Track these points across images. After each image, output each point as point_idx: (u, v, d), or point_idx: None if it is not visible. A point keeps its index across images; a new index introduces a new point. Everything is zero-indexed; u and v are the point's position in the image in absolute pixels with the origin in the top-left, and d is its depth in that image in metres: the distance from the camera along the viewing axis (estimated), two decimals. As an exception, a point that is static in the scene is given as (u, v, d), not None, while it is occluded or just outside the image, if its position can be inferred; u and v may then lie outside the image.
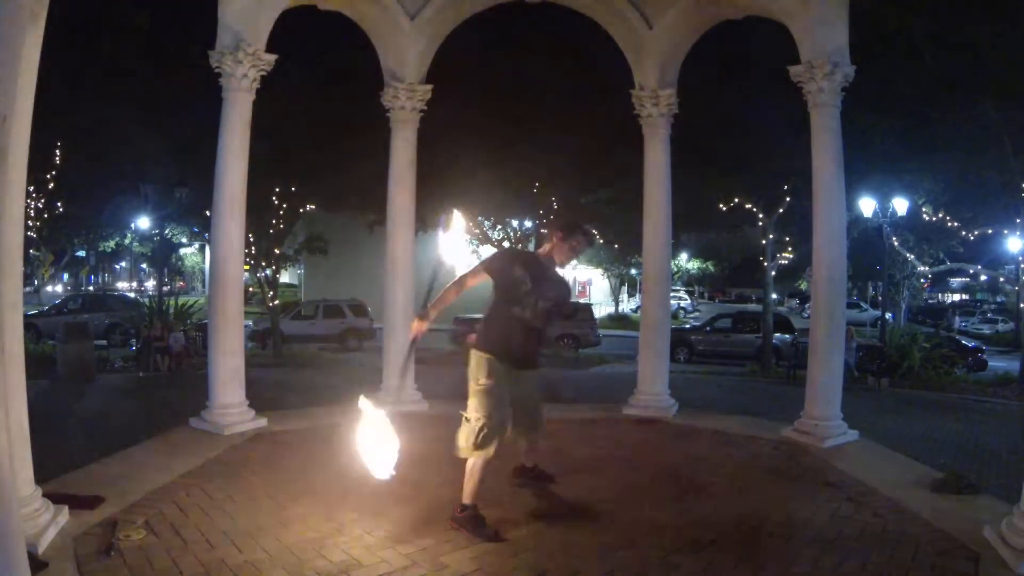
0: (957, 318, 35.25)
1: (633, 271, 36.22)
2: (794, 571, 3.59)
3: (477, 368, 4.06)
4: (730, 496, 4.82)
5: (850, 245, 8.38)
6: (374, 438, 3.75)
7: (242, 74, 6.20)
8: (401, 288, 7.61)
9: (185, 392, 8.81)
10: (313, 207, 17.69)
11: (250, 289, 21.94)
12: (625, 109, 7.90)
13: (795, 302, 48.31)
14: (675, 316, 31.70)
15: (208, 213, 8.95)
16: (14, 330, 3.64)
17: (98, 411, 7.91)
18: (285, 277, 26.34)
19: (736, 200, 16.40)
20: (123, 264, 50.50)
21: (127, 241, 35.50)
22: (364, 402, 3.84)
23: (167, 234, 28.07)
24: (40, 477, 3.97)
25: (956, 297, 54.38)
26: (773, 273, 18.19)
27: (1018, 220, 16.23)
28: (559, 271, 4.32)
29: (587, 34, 8.48)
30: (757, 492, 4.92)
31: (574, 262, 4.96)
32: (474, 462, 4.00)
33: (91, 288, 43.81)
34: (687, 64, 7.74)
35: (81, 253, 39.97)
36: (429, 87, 7.61)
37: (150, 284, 46.17)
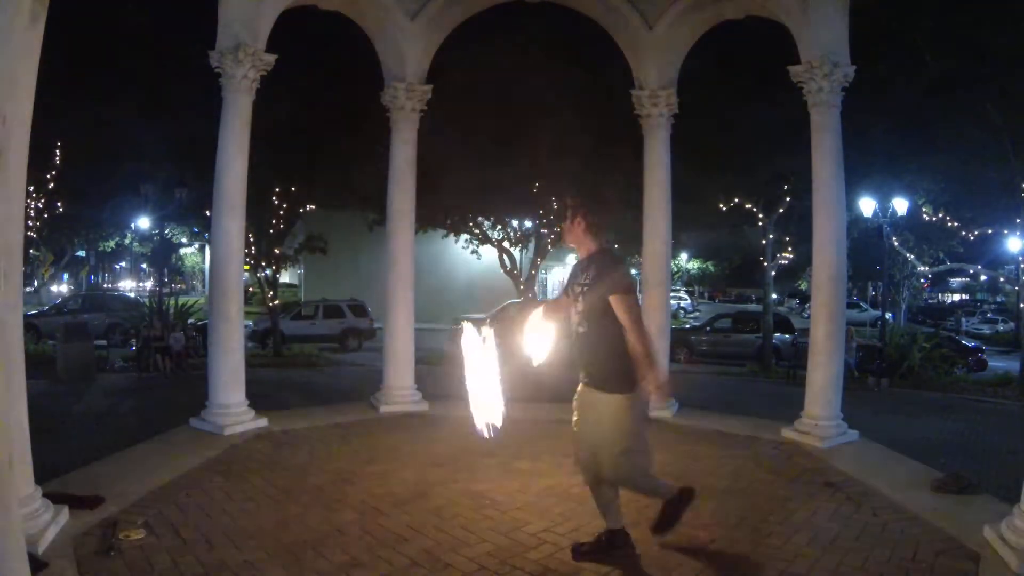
0: (965, 319, 34.50)
1: (633, 271, 36.20)
2: (794, 571, 3.59)
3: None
4: (730, 496, 4.81)
5: (850, 245, 8.37)
6: (535, 329, 3.54)
7: (242, 74, 6.20)
8: (401, 288, 7.61)
9: (185, 392, 8.80)
10: (313, 207, 17.68)
11: (250, 289, 21.93)
12: (625, 109, 7.90)
13: (795, 302, 48.29)
14: (675, 316, 31.70)
15: (208, 213, 8.95)
16: (14, 330, 3.64)
17: (98, 411, 7.91)
18: (285, 277, 26.33)
19: (736, 200, 16.39)
20: (123, 264, 50.51)
21: (127, 241, 35.51)
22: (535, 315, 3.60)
23: (167, 234, 28.08)
24: (40, 477, 3.97)
25: (956, 297, 54.37)
26: (773, 273, 18.17)
27: (1018, 220, 16.23)
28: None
29: (587, 34, 8.47)
30: (757, 492, 4.92)
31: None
32: None
33: (77, 287, 43.80)
34: (687, 64, 7.74)
35: (81, 253, 40.00)
36: (429, 87, 7.61)
37: (147, 284, 46.21)
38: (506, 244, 18.30)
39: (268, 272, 16.08)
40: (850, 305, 25.63)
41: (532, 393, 6.53)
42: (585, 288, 3.51)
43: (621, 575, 3.54)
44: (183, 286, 45.00)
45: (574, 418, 3.68)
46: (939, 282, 48.18)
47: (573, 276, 3.67)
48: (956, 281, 52.47)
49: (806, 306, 36.43)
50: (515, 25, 10.22)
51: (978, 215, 18.53)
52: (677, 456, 5.90)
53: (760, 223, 16.80)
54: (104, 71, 12.36)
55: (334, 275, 25.85)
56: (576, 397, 3.67)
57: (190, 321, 14.50)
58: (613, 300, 3.39)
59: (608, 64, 8.79)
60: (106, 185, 19.23)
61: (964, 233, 19.79)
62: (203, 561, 3.54)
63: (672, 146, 7.69)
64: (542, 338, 3.56)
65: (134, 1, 11.40)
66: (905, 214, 17.00)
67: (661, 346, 7.74)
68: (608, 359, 3.46)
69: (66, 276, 45.35)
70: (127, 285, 47.87)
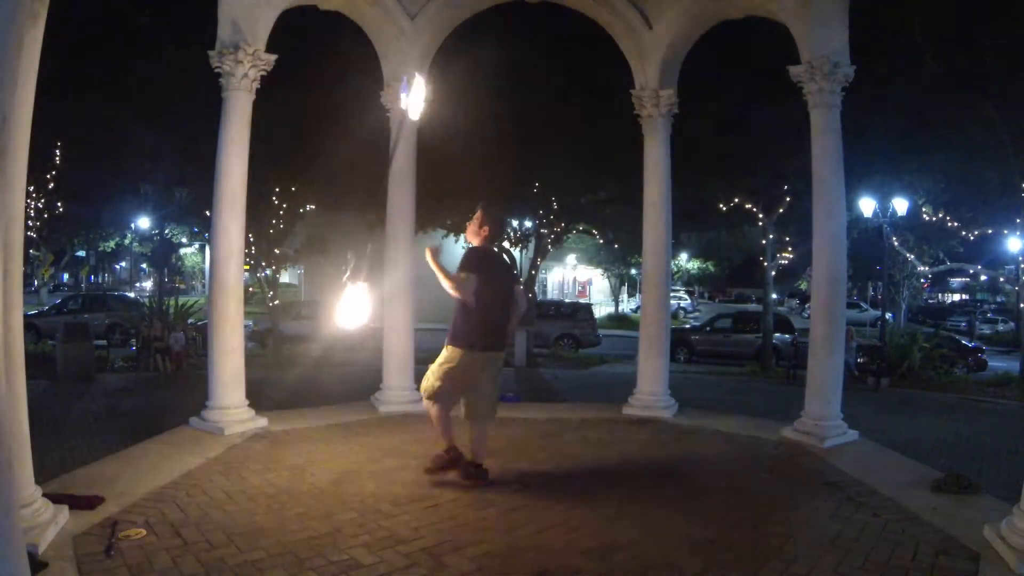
0: (978, 322, 32.65)
1: (633, 271, 36.22)
2: (794, 571, 3.59)
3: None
4: (730, 496, 4.82)
5: (850, 245, 8.37)
6: (350, 300, 4.33)
7: (242, 74, 6.20)
8: (400, 288, 7.60)
9: (185, 392, 8.82)
10: (313, 207, 17.69)
11: (250, 289, 21.94)
12: (625, 109, 7.90)
13: (795, 302, 48.35)
14: (675, 316, 31.71)
15: (208, 213, 8.95)
16: (14, 330, 3.64)
17: (98, 411, 7.91)
18: (285, 277, 26.34)
19: (736, 200, 16.40)
20: (123, 264, 50.52)
21: (127, 241, 35.52)
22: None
23: (167, 234, 28.08)
24: (40, 477, 3.97)
25: (956, 297, 54.34)
26: (773, 273, 18.19)
27: (1018, 220, 16.24)
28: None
29: (587, 34, 8.47)
30: (757, 492, 4.92)
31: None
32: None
33: (77, 287, 43.79)
34: (687, 64, 7.73)
35: (81, 253, 40.01)
36: (429, 87, 7.59)
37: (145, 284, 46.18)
38: (506, 244, 18.31)
39: (268, 272, 16.09)
40: (850, 305, 25.61)
41: (530, 393, 6.52)
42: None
43: (623, 575, 3.54)
44: (183, 286, 45.00)
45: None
46: (939, 282, 48.22)
47: None
48: (956, 281, 52.50)
49: (806, 306, 36.44)
50: (515, 25, 10.21)
51: (978, 215, 18.54)
52: (677, 456, 5.90)
53: (760, 223, 16.81)
54: (104, 71, 12.36)
55: (334, 275, 25.87)
56: None
57: (190, 321, 14.50)
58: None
59: (608, 64, 8.79)
60: (106, 185, 19.23)
61: (964, 233, 19.81)
62: (203, 561, 3.54)
63: (672, 146, 7.68)
64: (354, 305, 4.32)
65: (134, 1, 11.41)
66: (905, 214, 17.01)
67: (661, 347, 7.76)
68: (454, 321, 4.79)
69: (66, 276, 45.39)
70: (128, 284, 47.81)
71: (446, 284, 4.56)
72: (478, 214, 4.87)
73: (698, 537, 3.99)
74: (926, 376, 13.00)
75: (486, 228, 4.83)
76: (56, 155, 14.88)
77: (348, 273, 4.78)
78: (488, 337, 4.75)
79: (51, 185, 15.68)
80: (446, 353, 4.80)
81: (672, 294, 15.31)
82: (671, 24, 7.36)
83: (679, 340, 18.18)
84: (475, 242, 4.89)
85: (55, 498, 3.99)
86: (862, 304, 37.79)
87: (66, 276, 46.37)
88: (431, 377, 4.84)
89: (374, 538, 3.89)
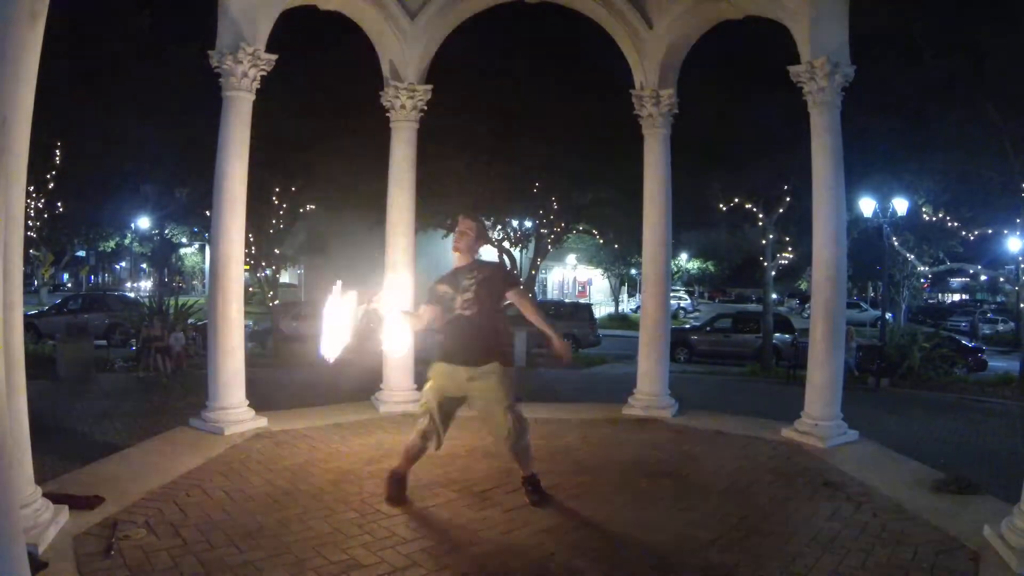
0: (982, 324, 31.91)
1: (633, 271, 36.25)
2: (794, 571, 3.59)
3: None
4: (730, 496, 4.81)
5: (850, 245, 8.37)
6: (333, 322, 3.90)
7: (242, 74, 6.20)
8: (400, 288, 7.60)
9: (185, 392, 8.81)
10: (313, 207, 17.70)
11: (250, 289, 21.96)
12: (625, 109, 7.90)
13: (795, 302, 48.36)
14: (675, 316, 31.71)
15: (208, 213, 8.96)
16: (14, 330, 3.64)
17: (98, 411, 7.91)
18: (285, 277, 26.34)
19: (736, 200, 16.42)
20: (123, 264, 50.50)
21: (127, 241, 35.52)
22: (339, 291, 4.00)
23: (167, 234, 28.08)
24: (40, 477, 3.97)
25: (956, 297, 54.30)
26: (773, 273, 18.20)
27: (1018, 220, 16.26)
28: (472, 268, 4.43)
29: (587, 34, 8.47)
30: (757, 492, 4.92)
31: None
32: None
33: (77, 287, 43.78)
34: (687, 64, 7.73)
35: (81, 253, 40.01)
36: (429, 87, 7.61)
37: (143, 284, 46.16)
38: (506, 244, 18.32)
39: (268, 272, 16.09)
40: (850, 305, 25.62)
41: (531, 393, 6.50)
42: (474, 283, 4.30)
43: (622, 574, 3.54)
44: (183, 285, 44.98)
45: (435, 391, 4.43)
46: (939, 282, 48.21)
47: (458, 276, 4.40)
48: (956, 281, 52.49)
49: (806, 306, 36.40)
50: (515, 25, 10.23)
51: (978, 215, 18.57)
52: (677, 456, 5.90)
53: (760, 223, 16.82)
54: (104, 71, 12.38)
55: (334, 275, 25.90)
56: (446, 375, 4.39)
57: (190, 321, 14.48)
58: (513, 292, 4.38)
59: (608, 64, 8.79)
60: (106, 185, 19.24)
61: (964, 233, 19.83)
62: (203, 561, 3.54)
63: (672, 146, 7.68)
64: (339, 332, 3.92)
65: (134, 1, 11.43)
66: (905, 214, 17.03)
67: (661, 347, 7.76)
68: (503, 340, 4.42)
69: (66, 276, 45.37)
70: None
71: (536, 315, 4.37)
72: (472, 226, 4.47)
73: (698, 537, 3.99)
74: (926, 376, 13.00)
75: (482, 240, 4.63)
76: (56, 155, 14.88)
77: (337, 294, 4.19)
78: None
79: (51, 185, 15.67)
80: (507, 381, 4.27)
81: (672, 294, 15.32)
82: (671, 24, 7.36)
83: (679, 340, 18.18)
84: (469, 256, 4.51)
85: (55, 498, 3.99)
86: (862, 304, 37.79)
87: (66, 276, 46.35)
88: (517, 422, 4.31)
89: (374, 538, 3.89)
